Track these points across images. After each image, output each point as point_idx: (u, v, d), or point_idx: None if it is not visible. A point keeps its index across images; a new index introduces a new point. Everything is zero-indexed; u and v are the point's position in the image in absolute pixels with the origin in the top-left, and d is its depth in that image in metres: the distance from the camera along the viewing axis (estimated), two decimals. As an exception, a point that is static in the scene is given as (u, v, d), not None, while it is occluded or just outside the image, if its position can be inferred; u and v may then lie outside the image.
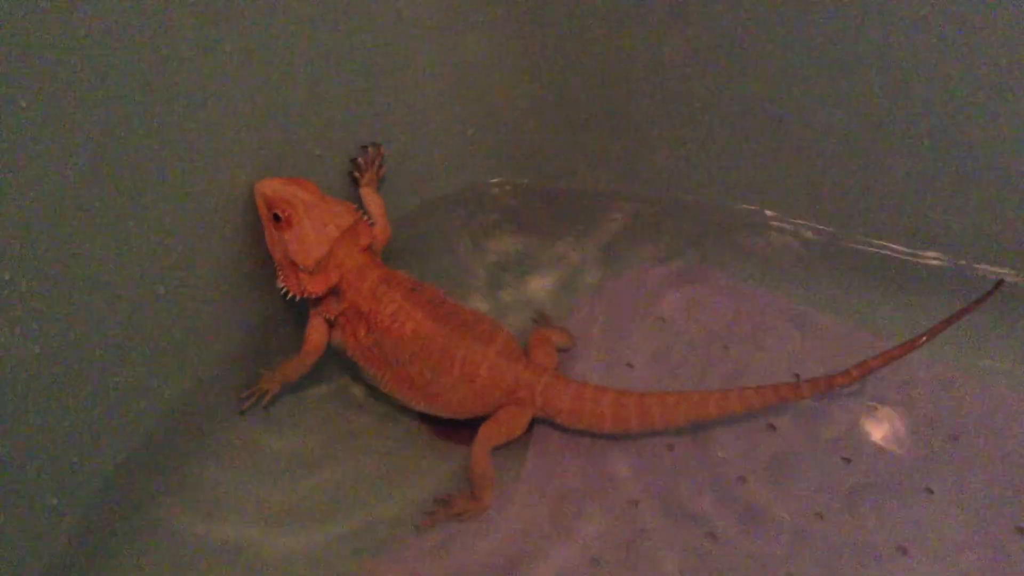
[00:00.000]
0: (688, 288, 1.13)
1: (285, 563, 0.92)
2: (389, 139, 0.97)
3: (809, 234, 1.17)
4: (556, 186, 1.22)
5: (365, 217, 0.98)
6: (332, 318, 0.96)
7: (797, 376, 1.04)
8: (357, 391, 1.05)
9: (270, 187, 0.91)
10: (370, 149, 1.05)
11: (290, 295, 0.94)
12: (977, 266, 1.12)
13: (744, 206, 1.18)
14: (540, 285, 1.15)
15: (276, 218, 0.91)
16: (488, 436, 0.95)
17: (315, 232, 0.90)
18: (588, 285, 1.14)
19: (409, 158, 0.99)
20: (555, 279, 1.16)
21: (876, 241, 1.15)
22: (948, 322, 0.94)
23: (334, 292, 0.94)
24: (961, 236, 1.11)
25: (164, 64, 0.80)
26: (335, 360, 1.03)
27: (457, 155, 1.18)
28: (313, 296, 0.93)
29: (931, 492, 0.95)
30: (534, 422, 0.99)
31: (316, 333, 0.96)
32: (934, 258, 1.13)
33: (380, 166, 1.06)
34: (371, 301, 0.94)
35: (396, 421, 1.02)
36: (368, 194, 1.05)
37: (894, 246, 1.14)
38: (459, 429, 1.02)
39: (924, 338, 0.94)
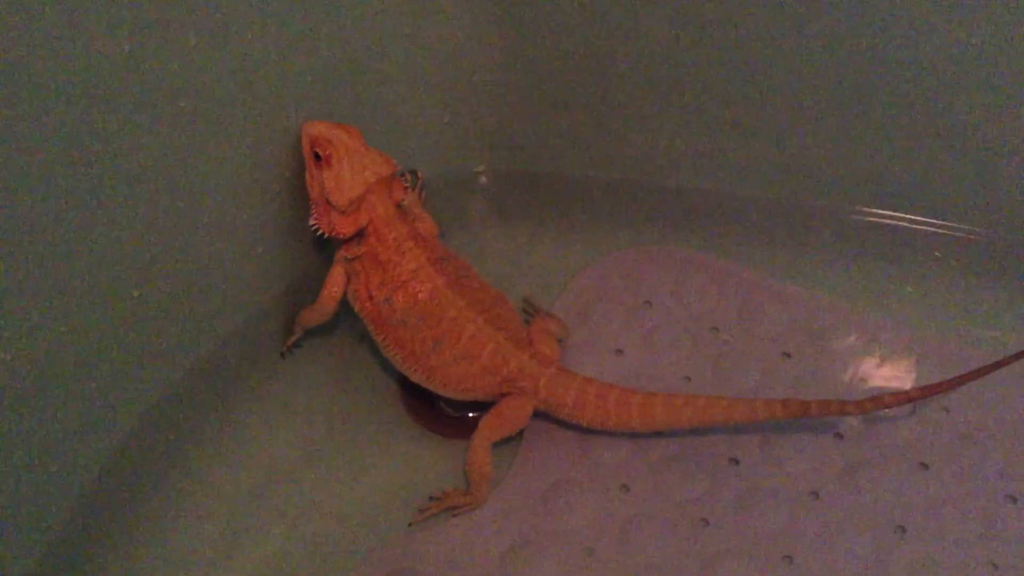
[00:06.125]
0: (673, 270, 1.12)
1: (276, 558, 0.91)
2: (363, 126, 0.96)
3: (792, 210, 1.16)
4: (537, 171, 1.21)
5: (405, 183, 1.00)
6: (350, 258, 0.96)
7: (787, 355, 1.04)
8: (348, 384, 1.04)
9: (316, 128, 0.93)
10: (408, 175, 1.07)
11: (319, 232, 0.95)
12: (962, 227, 1.12)
13: (726, 186, 1.17)
14: (524, 271, 1.14)
15: (317, 157, 0.92)
16: (490, 429, 0.94)
17: (352, 174, 0.92)
18: (572, 271, 1.13)
19: (385, 146, 0.98)
20: (539, 265, 1.15)
21: (860, 210, 1.14)
22: (973, 375, 0.90)
23: (361, 236, 0.95)
24: (947, 199, 1.11)
25: (134, 57, 0.78)
26: (325, 358, 1.04)
27: (434, 144, 1.16)
28: (341, 236, 0.94)
29: (926, 467, 0.96)
30: (527, 414, 0.98)
31: (333, 283, 0.97)
32: (919, 223, 1.13)
33: (421, 189, 1.08)
34: (393, 252, 0.94)
35: (385, 415, 1.02)
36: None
37: (879, 212, 1.14)
38: (447, 422, 1.01)
39: (944, 385, 0.91)
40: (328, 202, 0.93)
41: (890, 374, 1.02)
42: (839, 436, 0.98)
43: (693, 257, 1.13)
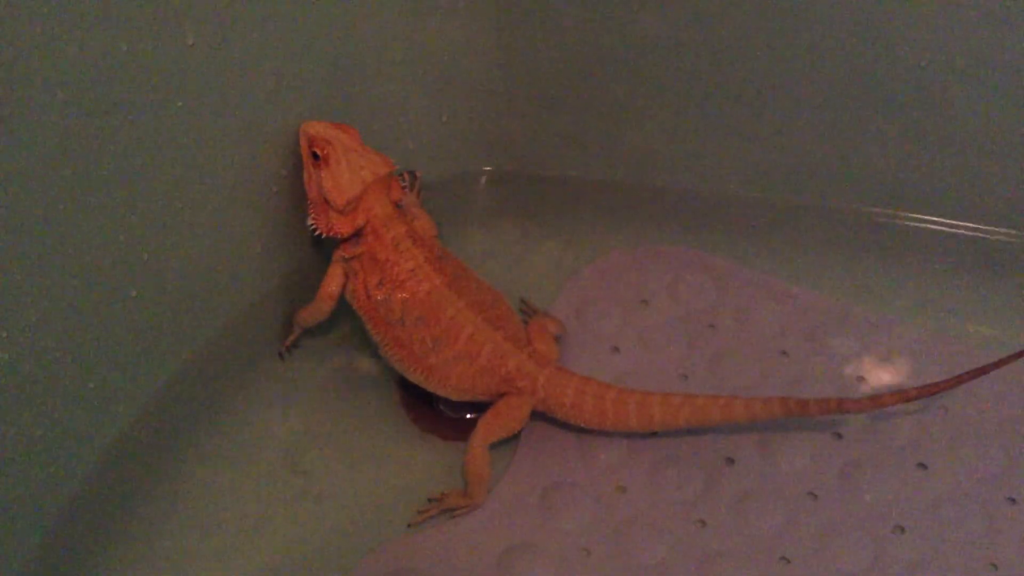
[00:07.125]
0: (670, 269, 1.12)
1: (275, 559, 0.91)
2: (361, 126, 0.96)
3: (789, 208, 1.15)
4: (535, 171, 1.20)
5: (403, 183, 1.01)
6: (348, 258, 0.96)
7: (785, 353, 1.04)
8: (347, 385, 1.04)
9: (314, 128, 0.93)
10: (406, 175, 1.07)
11: (317, 232, 0.95)
12: (961, 225, 1.12)
13: (723, 185, 1.17)
14: (522, 271, 1.14)
15: (315, 156, 0.93)
16: (488, 430, 0.94)
17: (350, 174, 0.92)
18: (570, 270, 1.13)
19: (382, 145, 0.98)
20: (537, 265, 1.14)
21: (857, 208, 1.14)
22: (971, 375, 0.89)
23: (359, 235, 0.96)
24: (944, 197, 1.10)
25: (132, 56, 0.79)
26: (323, 358, 1.04)
27: (432, 144, 1.16)
28: (339, 236, 0.95)
29: (925, 467, 0.95)
30: (526, 415, 0.98)
31: (331, 281, 0.98)
32: (917, 221, 1.13)
33: (419, 189, 1.08)
34: (391, 251, 0.94)
35: (384, 416, 1.02)
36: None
37: (876, 211, 1.13)
38: (446, 424, 1.01)
39: (944, 384, 0.90)
40: (326, 202, 0.93)
41: (889, 373, 1.02)
42: (837, 435, 0.98)
43: (690, 256, 1.13)
